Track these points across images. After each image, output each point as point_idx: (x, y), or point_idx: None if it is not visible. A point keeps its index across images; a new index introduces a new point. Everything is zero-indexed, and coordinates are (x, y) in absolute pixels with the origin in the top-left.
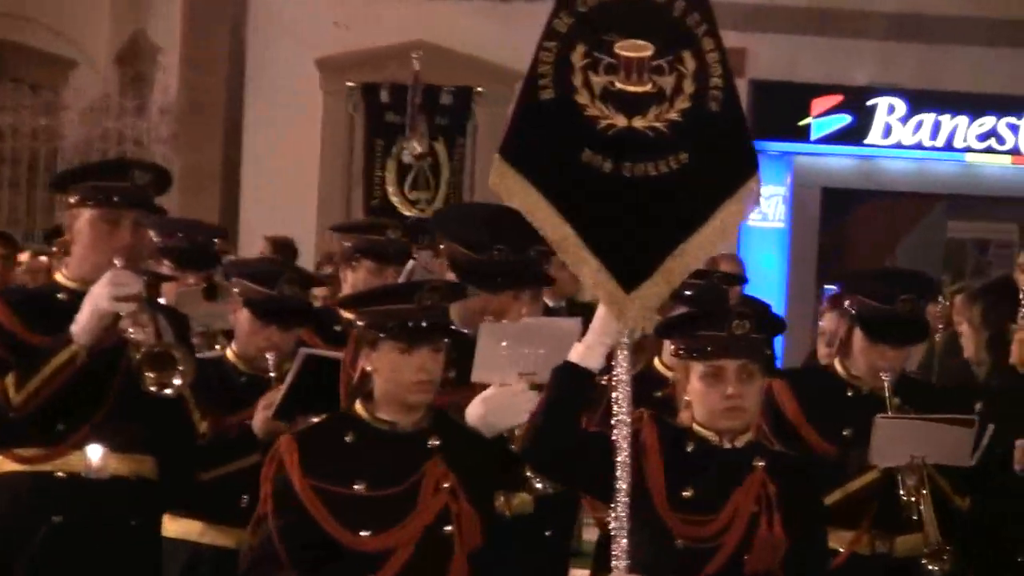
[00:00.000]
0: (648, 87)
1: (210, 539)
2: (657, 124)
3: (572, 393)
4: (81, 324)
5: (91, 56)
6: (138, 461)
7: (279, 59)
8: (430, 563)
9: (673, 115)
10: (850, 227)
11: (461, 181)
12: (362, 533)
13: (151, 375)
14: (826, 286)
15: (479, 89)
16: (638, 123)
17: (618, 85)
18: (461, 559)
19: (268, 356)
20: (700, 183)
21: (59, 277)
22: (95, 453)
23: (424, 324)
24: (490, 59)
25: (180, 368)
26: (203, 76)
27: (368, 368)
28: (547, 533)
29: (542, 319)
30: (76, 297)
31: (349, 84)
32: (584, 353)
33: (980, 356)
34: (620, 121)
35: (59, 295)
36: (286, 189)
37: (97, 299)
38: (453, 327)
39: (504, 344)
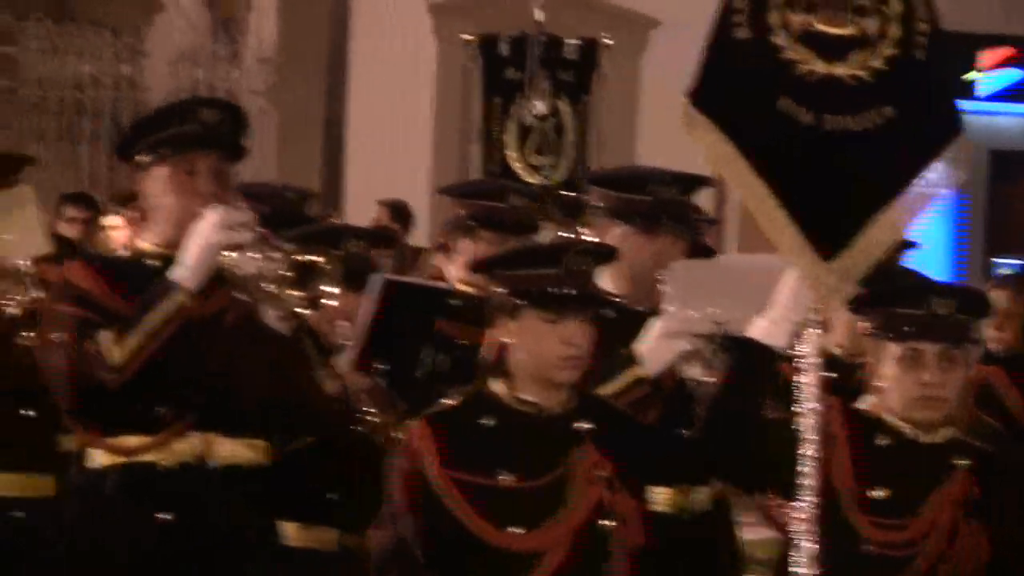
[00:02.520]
0: (850, 29)
1: (300, 541)
2: (860, 72)
3: (753, 375)
4: (187, 264)
5: None
6: (255, 447)
7: (387, 2)
8: (586, 562)
9: (877, 63)
10: (1021, 194)
11: (587, 144)
12: (511, 530)
13: (295, 294)
14: (996, 260)
15: (607, 40)
16: (839, 70)
17: (819, 26)
18: (621, 560)
19: (341, 326)
20: (903, 143)
21: (142, 244)
22: (204, 439)
23: (571, 291)
24: (620, 4)
25: (329, 273)
26: (302, 20)
27: (506, 341)
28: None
29: (742, 256)
30: (167, 262)
31: (464, 36)
32: (769, 329)
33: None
34: (819, 67)
35: (148, 261)
36: (395, 147)
37: (204, 232)
38: (605, 294)
39: (698, 284)
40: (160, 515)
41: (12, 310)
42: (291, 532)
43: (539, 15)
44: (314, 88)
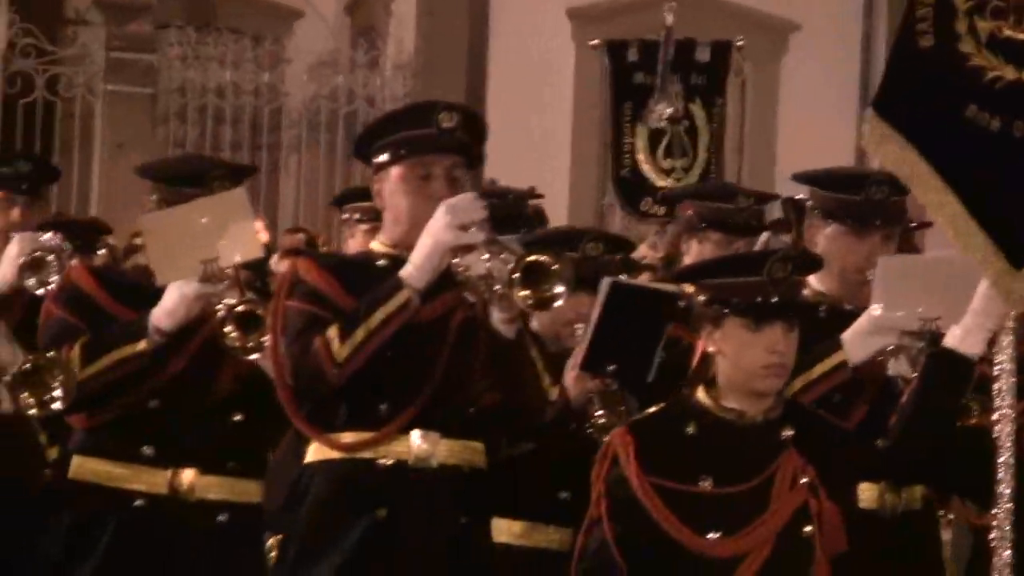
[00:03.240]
0: None
1: (530, 540)
2: None
3: (948, 383)
4: (416, 263)
5: (318, 5)
6: (472, 448)
7: (526, 8)
8: (788, 568)
9: None
10: None
11: (722, 146)
12: (710, 536)
13: (524, 295)
14: None
15: (740, 42)
16: None
17: (1006, 32)
18: (823, 565)
19: (578, 329)
20: None
21: (375, 245)
22: (424, 438)
23: (775, 299)
24: (754, 7)
25: (559, 274)
26: (441, 26)
27: (710, 349)
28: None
29: (950, 253)
30: (396, 263)
31: (594, 43)
32: (962, 337)
33: None
34: (1009, 73)
35: (379, 262)
36: (534, 153)
37: (435, 232)
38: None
39: (906, 281)
40: (376, 511)
41: (223, 314)
42: (519, 531)
43: (669, 19)
44: (453, 94)
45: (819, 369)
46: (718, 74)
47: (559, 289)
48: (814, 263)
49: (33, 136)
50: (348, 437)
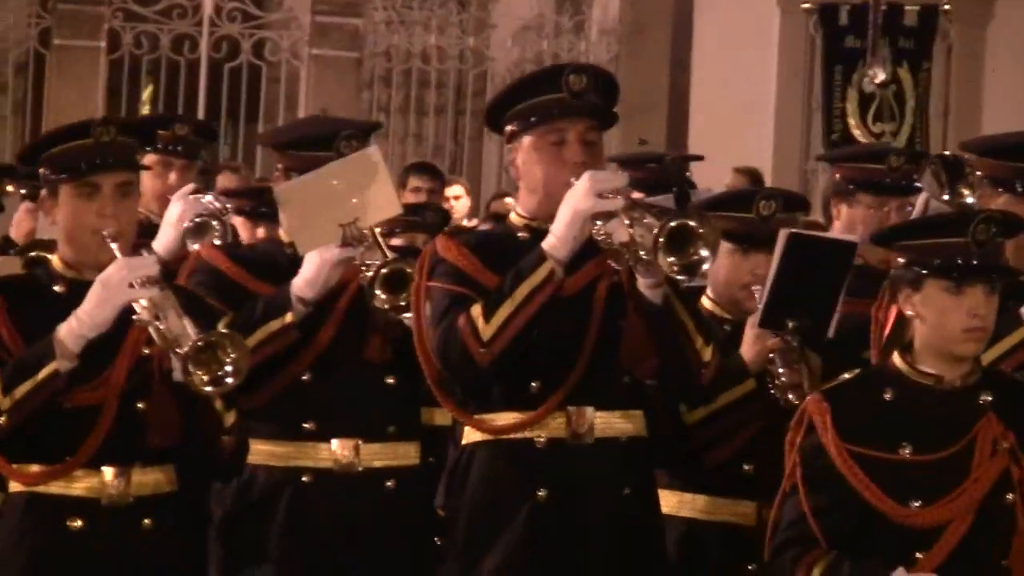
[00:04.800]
0: None
1: (715, 515)
2: None
3: None
4: (558, 234)
5: None
6: (630, 418)
7: None
8: (989, 537)
9: None
10: None
11: (927, 111)
12: (911, 505)
13: (670, 260)
14: None
15: (947, 6)
16: None
17: None
18: None
19: (756, 290)
20: None
21: (513, 217)
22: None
23: (977, 261)
24: None
25: (705, 238)
26: None
27: (908, 312)
28: None
29: None
30: (536, 234)
31: (805, 6)
32: None
33: None
34: None
35: (519, 234)
36: (739, 118)
37: (575, 201)
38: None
39: None
40: (538, 492)
41: (369, 275)
42: (702, 505)
43: None
44: (658, 58)
45: (1001, 347)
46: (925, 38)
47: (705, 253)
48: (1019, 226)
49: (238, 101)
50: (501, 419)
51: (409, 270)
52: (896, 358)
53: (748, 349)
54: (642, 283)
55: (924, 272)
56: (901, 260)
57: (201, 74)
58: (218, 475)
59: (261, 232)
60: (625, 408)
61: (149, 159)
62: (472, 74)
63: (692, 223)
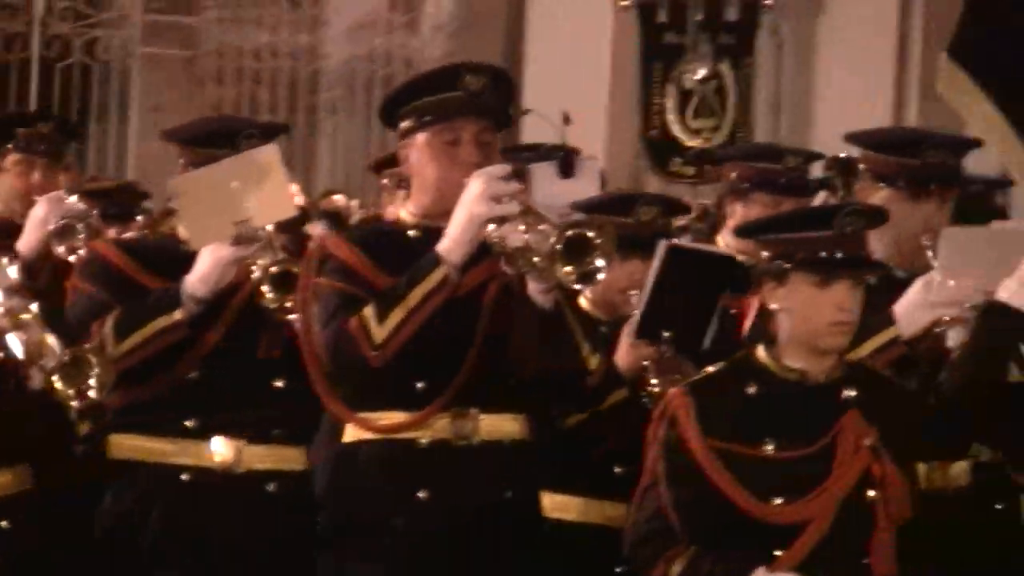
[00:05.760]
0: None
1: (587, 516)
2: None
3: (1002, 337)
4: (453, 237)
5: None
6: (514, 421)
7: None
8: (849, 534)
9: None
10: None
11: (751, 106)
12: (773, 501)
13: (565, 269)
14: None
15: (769, 1)
16: None
17: None
18: (886, 531)
19: (633, 295)
20: None
21: (403, 214)
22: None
23: (842, 254)
24: None
25: (601, 247)
26: None
27: (773, 306)
28: (997, 506)
29: (1014, 223)
30: (428, 234)
31: (624, 3)
32: (1017, 290)
33: None
34: None
35: (410, 232)
36: (572, 115)
37: (469, 204)
38: (876, 259)
39: (969, 252)
40: (419, 493)
41: (258, 275)
42: (577, 507)
43: None
44: (491, 54)
45: (871, 344)
46: (747, 33)
47: (600, 263)
48: (881, 217)
49: (70, 100)
50: (385, 419)
51: (293, 268)
52: (760, 352)
53: (623, 357)
54: (533, 288)
55: (789, 266)
56: (766, 254)
57: (32, 74)
58: (69, 482)
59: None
60: (510, 411)
61: (11, 159)
62: (305, 72)
63: (589, 233)
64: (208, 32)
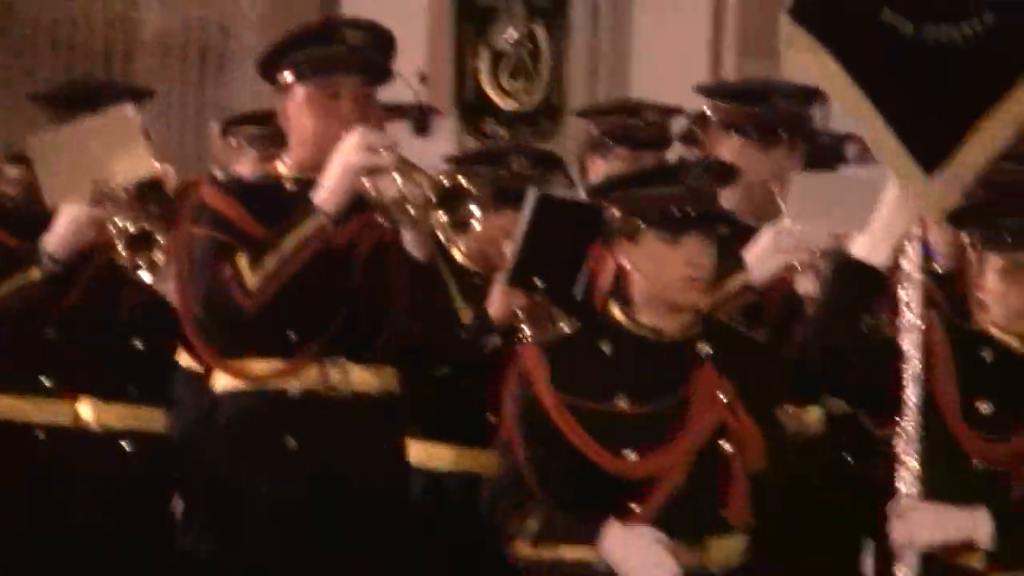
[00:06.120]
0: None
1: (460, 465)
2: None
3: (853, 291)
4: (329, 187)
5: None
6: (383, 373)
7: None
8: (704, 486)
9: None
10: None
11: (566, 69)
12: (626, 455)
13: (439, 218)
14: None
15: None
16: None
17: None
18: (741, 483)
19: (506, 246)
20: (1005, 50)
21: (280, 167)
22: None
23: (693, 210)
24: None
25: (475, 197)
26: None
27: (625, 264)
28: (848, 458)
29: (858, 169)
30: (304, 186)
31: None
32: (869, 245)
33: None
34: None
35: (287, 185)
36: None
37: (345, 155)
38: (728, 213)
39: (814, 197)
40: (287, 443)
41: (114, 234)
42: (451, 456)
43: None
44: (308, 14)
45: (724, 292)
46: None
47: (475, 212)
48: (731, 173)
49: None
50: (256, 367)
51: (155, 231)
52: (615, 310)
53: (496, 305)
54: (408, 239)
55: (640, 223)
56: (616, 212)
57: None
58: None
59: None
60: (382, 363)
61: None
62: (121, 40)
63: (462, 182)
64: (23, 2)
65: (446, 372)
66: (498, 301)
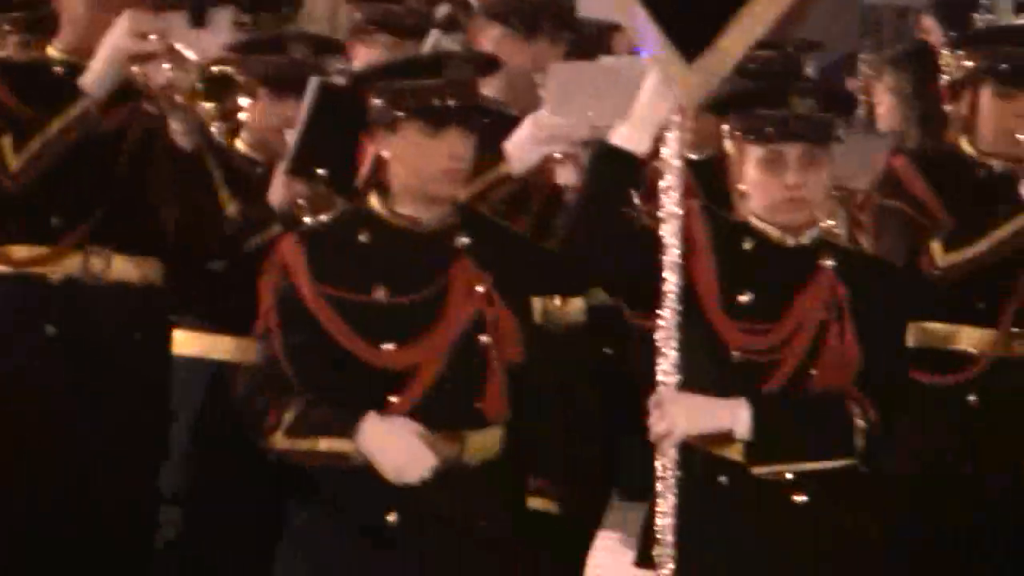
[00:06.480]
0: None
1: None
2: None
3: (614, 180)
4: (95, 71)
5: None
6: (145, 264)
7: None
8: (462, 379)
9: None
10: None
11: None
12: (384, 347)
13: (207, 106)
14: None
15: None
16: None
17: None
18: (498, 374)
19: (287, 134)
20: None
21: (50, 51)
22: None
23: (453, 102)
24: None
25: (244, 86)
26: None
27: (385, 155)
28: (605, 351)
29: (618, 59)
30: (73, 70)
31: None
32: (629, 134)
33: (909, 131)
34: None
35: (55, 68)
36: None
37: (114, 40)
38: (488, 106)
39: (577, 88)
40: (47, 328)
41: None
42: (227, 346)
43: None
44: None
45: (483, 183)
46: None
47: (243, 101)
48: (493, 64)
49: None
50: (18, 252)
51: None
52: (373, 200)
53: (277, 193)
54: (174, 128)
55: (400, 114)
56: (376, 102)
57: None
58: None
59: None
60: (145, 254)
61: None
62: None
63: (231, 70)
64: None
65: (220, 264)
66: (280, 190)
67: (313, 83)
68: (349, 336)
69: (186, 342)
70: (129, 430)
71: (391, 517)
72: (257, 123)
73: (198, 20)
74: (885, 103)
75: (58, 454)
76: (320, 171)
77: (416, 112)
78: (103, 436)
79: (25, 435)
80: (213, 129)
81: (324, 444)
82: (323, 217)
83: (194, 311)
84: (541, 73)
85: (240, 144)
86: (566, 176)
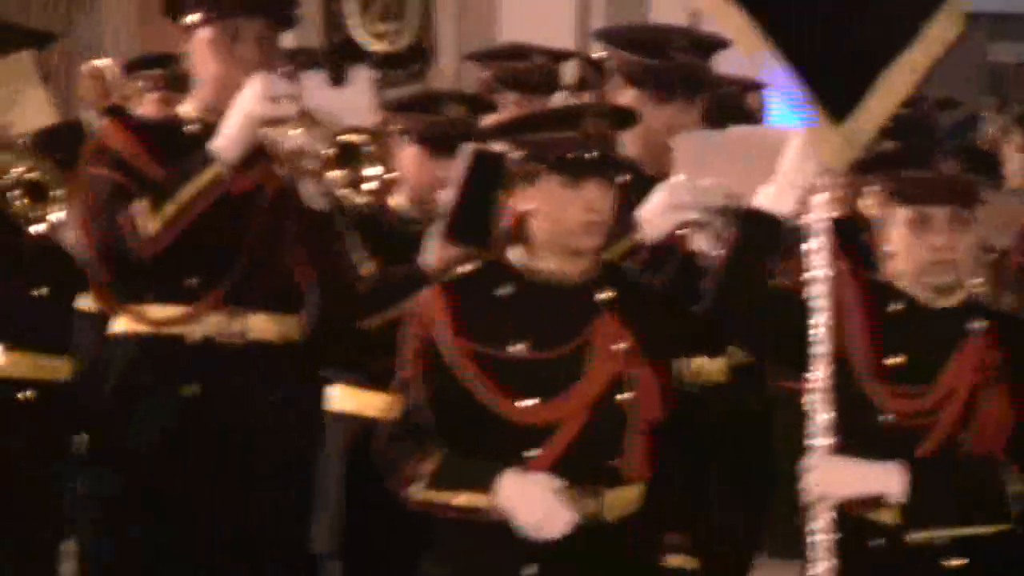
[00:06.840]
0: None
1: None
2: None
3: (759, 244)
4: (227, 135)
5: None
6: (284, 321)
7: None
8: (602, 436)
9: None
10: None
11: (433, 11)
12: (524, 403)
13: (336, 174)
14: None
15: None
16: None
17: None
18: (639, 433)
19: (441, 194)
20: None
21: (181, 110)
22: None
23: (591, 154)
24: None
25: (373, 155)
26: None
27: (525, 208)
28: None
29: (754, 128)
30: (206, 129)
31: None
32: (773, 196)
33: None
34: None
35: (188, 127)
36: None
37: (245, 104)
38: (627, 160)
39: (711, 155)
40: (185, 389)
41: (9, 181)
42: (381, 403)
43: None
44: None
45: (615, 251)
46: None
47: (373, 171)
48: (630, 118)
49: None
50: (156, 312)
51: (51, 182)
52: (513, 253)
53: (430, 256)
54: (305, 192)
55: (539, 166)
56: (515, 155)
57: None
58: None
59: None
60: (282, 312)
61: None
62: None
63: (360, 140)
64: None
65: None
66: (435, 252)
67: (467, 150)
68: (487, 390)
69: (341, 399)
70: (265, 488)
71: (528, 572)
72: (414, 181)
73: (337, 79)
74: (1016, 161)
75: (197, 508)
76: (472, 238)
77: (554, 164)
78: (248, 495)
79: (169, 498)
80: (348, 192)
81: (462, 498)
82: (461, 269)
83: (347, 368)
84: (675, 137)
85: (394, 201)
86: (699, 243)
